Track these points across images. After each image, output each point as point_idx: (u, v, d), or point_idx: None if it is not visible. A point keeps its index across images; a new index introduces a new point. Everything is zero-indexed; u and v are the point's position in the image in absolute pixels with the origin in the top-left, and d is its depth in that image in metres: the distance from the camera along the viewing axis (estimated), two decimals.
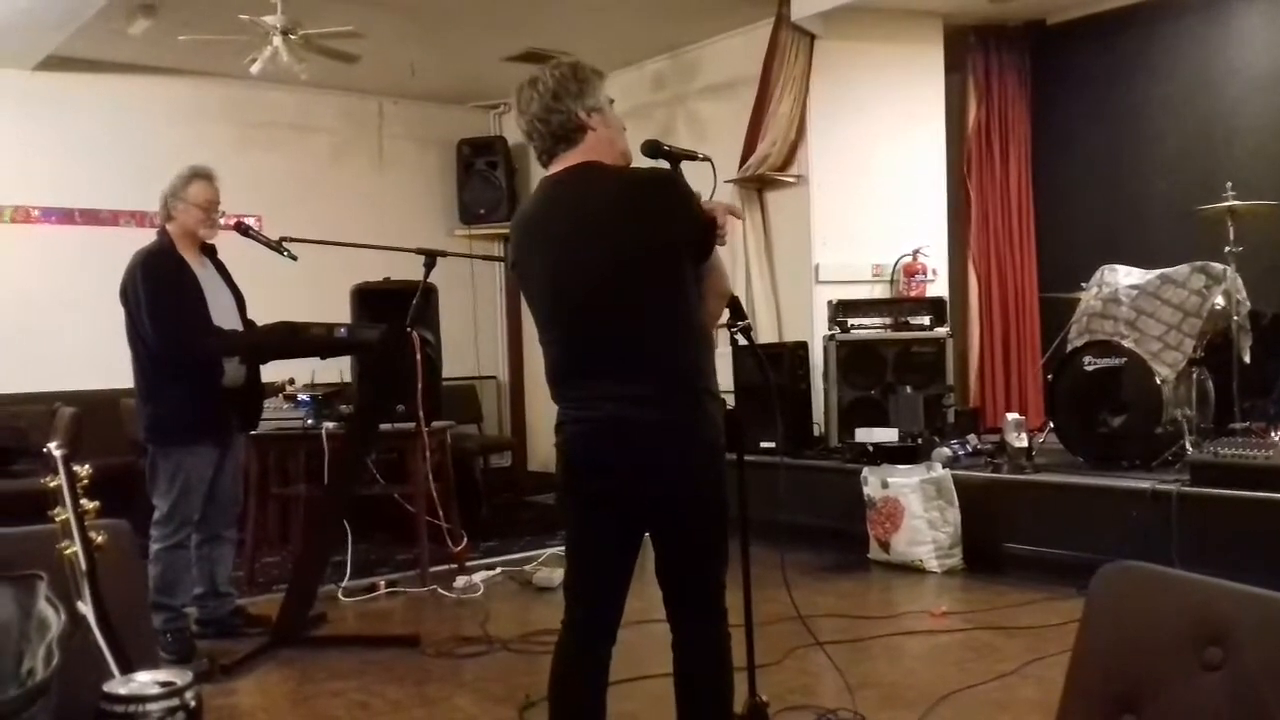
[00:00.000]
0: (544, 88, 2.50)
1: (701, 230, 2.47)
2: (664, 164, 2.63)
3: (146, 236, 4.50)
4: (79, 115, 7.33)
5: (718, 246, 2.55)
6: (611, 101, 2.58)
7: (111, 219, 7.39)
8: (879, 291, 6.94)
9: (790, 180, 6.99)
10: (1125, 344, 5.44)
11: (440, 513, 5.44)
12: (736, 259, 7.00)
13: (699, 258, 2.50)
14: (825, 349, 6.52)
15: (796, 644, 3.88)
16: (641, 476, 2.45)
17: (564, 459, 2.53)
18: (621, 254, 2.42)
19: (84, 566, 1.46)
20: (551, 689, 2.57)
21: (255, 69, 6.02)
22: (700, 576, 2.54)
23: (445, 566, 5.60)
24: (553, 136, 2.51)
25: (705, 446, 2.48)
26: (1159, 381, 5.26)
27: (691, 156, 2.67)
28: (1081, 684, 1.49)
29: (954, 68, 7.21)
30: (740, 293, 5.74)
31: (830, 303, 6.58)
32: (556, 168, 2.53)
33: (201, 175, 4.37)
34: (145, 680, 1.31)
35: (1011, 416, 5.63)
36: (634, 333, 2.44)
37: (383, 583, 5.39)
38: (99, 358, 6.20)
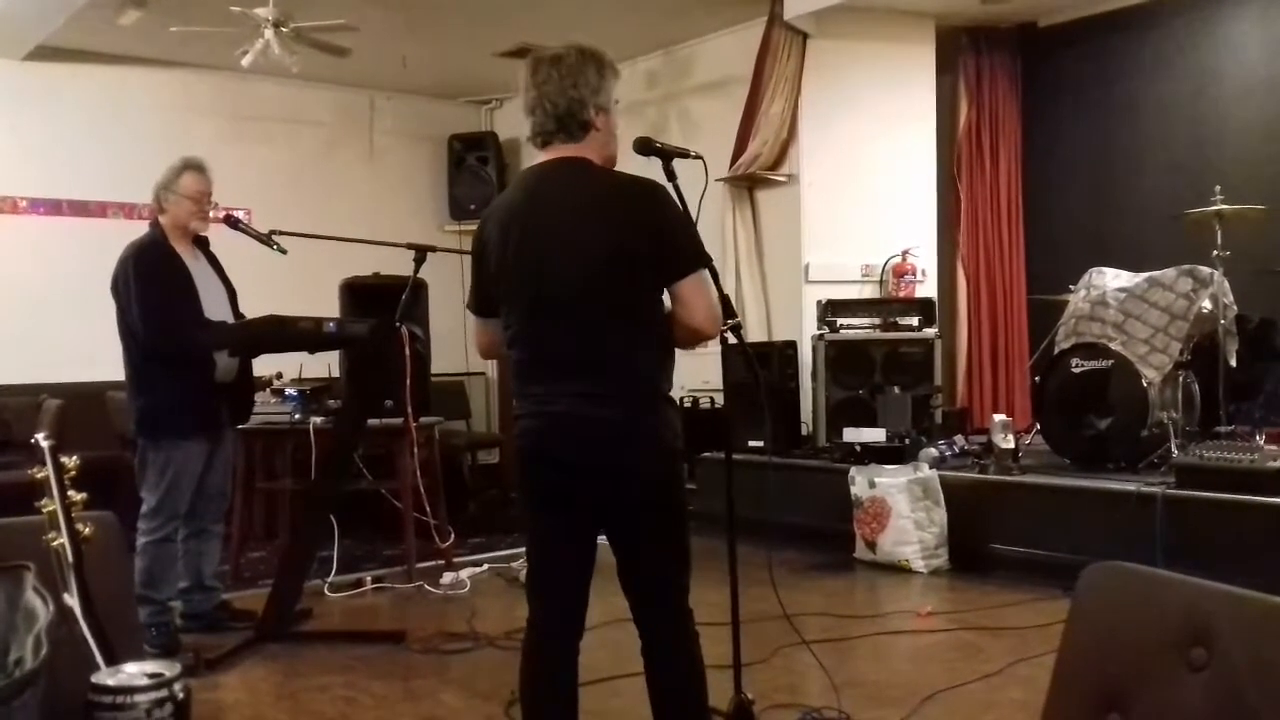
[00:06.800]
0: (565, 69, 2.42)
1: (676, 245, 2.42)
2: (656, 162, 2.63)
3: (134, 229, 4.47)
4: (68, 106, 7.31)
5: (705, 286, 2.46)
6: (617, 102, 2.52)
7: (100, 211, 7.37)
8: (868, 292, 6.96)
9: (781, 179, 6.99)
10: (1112, 346, 5.46)
11: (427, 509, 5.42)
12: (726, 257, 7.01)
13: (668, 275, 2.41)
14: (814, 348, 6.53)
15: (783, 643, 3.88)
16: (596, 473, 2.43)
17: (520, 454, 2.50)
18: (592, 255, 2.39)
19: (70, 558, 1.45)
20: (521, 687, 2.55)
21: (246, 61, 6.01)
22: (658, 577, 2.51)
23: (432, 562, 5.58)
24: (557, 120, 2.43)
25: (662, 447, 2.46)
26: (1145, 384, 5.28)
27: (683, 154, 2.68)
28: (1067, 684, 1.49)
29: (945, 69, 7.23)
30: (730, 291, 5.73)
31: (819, 302, 6.59)
32: (547, 155, 2.49)
33: (193, 167, 4.34)
34: (133, 672, 1.31)
35: (998, 417, 5.64)
36: (598, 333, 2.41)
37: (369, 578, 5.38)
38: (85, 350, 6.19)
